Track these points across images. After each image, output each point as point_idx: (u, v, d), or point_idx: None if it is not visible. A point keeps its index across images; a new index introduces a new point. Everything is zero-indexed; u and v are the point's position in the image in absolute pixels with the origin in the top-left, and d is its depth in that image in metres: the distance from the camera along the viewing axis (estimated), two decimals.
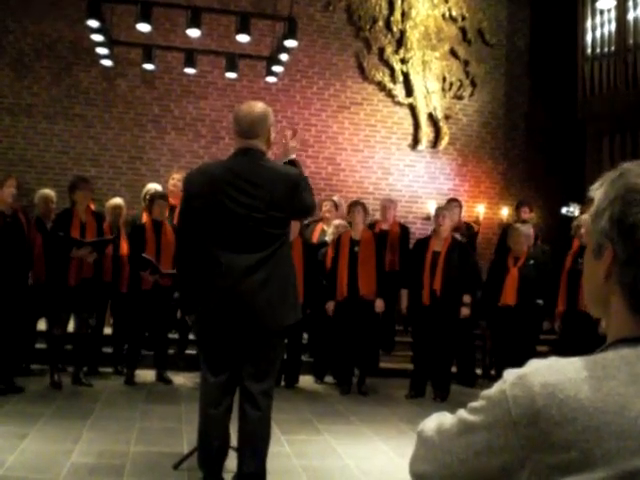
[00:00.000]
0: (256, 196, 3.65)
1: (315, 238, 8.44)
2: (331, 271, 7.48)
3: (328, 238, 8.18)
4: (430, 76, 11.77)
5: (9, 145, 10.83)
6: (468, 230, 9.32)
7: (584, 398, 1.01)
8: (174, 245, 7.05)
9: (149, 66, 10.09)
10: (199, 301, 3.79)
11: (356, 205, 7.65)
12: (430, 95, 11.77)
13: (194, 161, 10.56)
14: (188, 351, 7.91)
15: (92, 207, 7.35)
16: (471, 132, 12.04)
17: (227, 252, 3.67)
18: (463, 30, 11.95)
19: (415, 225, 11.13)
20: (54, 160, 10.89)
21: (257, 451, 3.80)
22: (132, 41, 9.95)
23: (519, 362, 1.13)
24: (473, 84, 11.98)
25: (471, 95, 11.99)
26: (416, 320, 7.37)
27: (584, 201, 8.39)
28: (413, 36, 11.70)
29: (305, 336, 7.99)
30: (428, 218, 10.79)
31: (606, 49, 10.59)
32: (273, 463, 4.02)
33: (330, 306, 7.39)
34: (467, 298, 7.17)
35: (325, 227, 8.50)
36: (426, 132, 11.78)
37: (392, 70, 11.72)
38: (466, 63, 11.94)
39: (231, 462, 3.99)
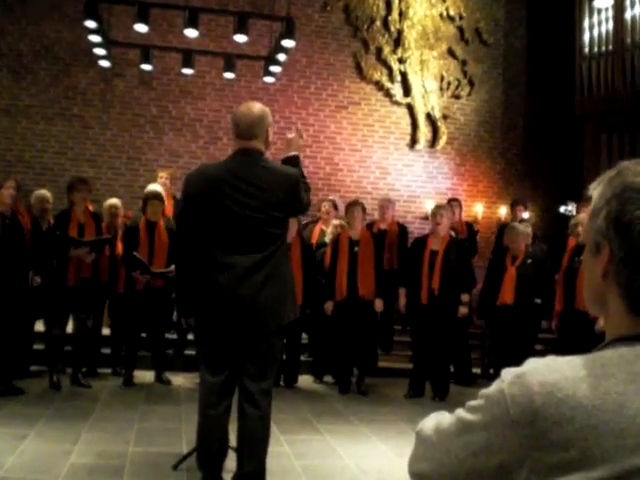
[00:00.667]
0: (256, 196, 3.66)
1: (314, 238, 8.45)
2: (330, 271, 7.48)
3: (327, 238, 8.18)
4: (428, 76, 11.78)
5: (7, 146, 10.83)
6: (469, 229, 9.34)
7: (583, 397, 1.01)
8: (167, 246, 7.12)
9: (147, 67, 10.09)
10: (198, 302, 3.80)
11: (355, 205, 7.65)
12: (428, 95, 11.78)
13: (192, 162, 10.56)
14: (186, 352, 7.92)
15: (90, 208, 7.34)
16: (469, 131, 12.05)
17: (227, 253, 3.68)
18: (461, 30, 11.96)
19: (413, 224, 11.13)
20: (52, 161, 10.88)
21: (257, 451, 3.80)
22: (130, 42, 9.95)
23: (517, 361, 1.13)
24: (471, 83, 11.98)
25: (469, 94, 12.00)
26: (414, 319, 7.37)
27: (582, 200, 8.41)
28: (411, 36, 11.71)
29: (304, 336, 7.99)
30: (426, 218, 10.79)
31: (604, 48, 10.59)
32: (272, 463, 4.02)
33: (329, 306, 7.39)
34: (465, 297, 7.18)
35: (324, 227, 8.50)
36: (424, 132, 11.79)
37: (390, 70, 11.72)
38: (464, 62, 11.95)
39: (230, 462, 3.99)
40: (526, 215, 9.71)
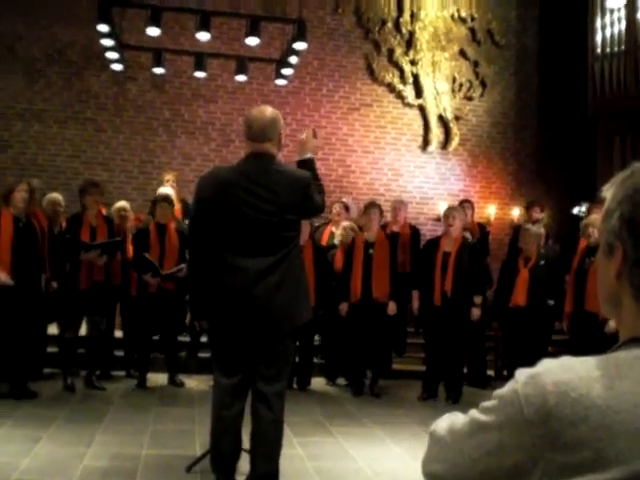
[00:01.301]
0: (269, 200, 3.67)
1: (324, 240, 8.44)
2: (343, 273, 7.47)
3: (336, 240, 8.17)
4: (440, 77, 11.77)
5: (21, 150, 10.88)
6: (481, 230, 9.30)
7: (597, 396, 1.01)
8: (177, 248, 7.15)
9: (159, 70, 10.12)
10: (211, 305, 3.81)
11: (372, 207, 7.59)
12: (440, 96, 11.76)
13: (205, 164, 10.59)
14: (200, 354, 7.94)
15: (103, 211, 7.36)
16: (481, 133, 12.03)
17: (240, 255, 3.69)
18: (472, 31, 11.94)
19: (426, 226, 11.10)
20: (65, 164, 10.94)
21: (270, 453, 3.81)
22: (142, 45, 9.98)
23: (531, 362, 1.13)
24: (483, 85, 11.97)
25: (481, 96, 11.98)
26: (427, 321, 7.35)
27: (594, 201, 8.37)
28: (422, 37, 11.70)
29: (317, 338, 7.99)
30: (439, 219, 10.75)
31: (616, 48, 10.54)
32: (286, 465, 4.02)
33: (343, 307, 7.38)
34: (478, 299, 7.16)
35: (334, 229, 8.48)
36: (436, 133, 11.78)
37: (402, 71, 11.72)
38: (476, 64, 11.93)
39: (243, 464, 4.00)
40: (540, 216, 9.67)
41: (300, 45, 9.17)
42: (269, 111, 3.88)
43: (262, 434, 3.81)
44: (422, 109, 11.80)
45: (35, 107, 10.94)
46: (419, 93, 11.76)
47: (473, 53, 11.93)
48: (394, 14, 11.71)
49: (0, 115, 10.90)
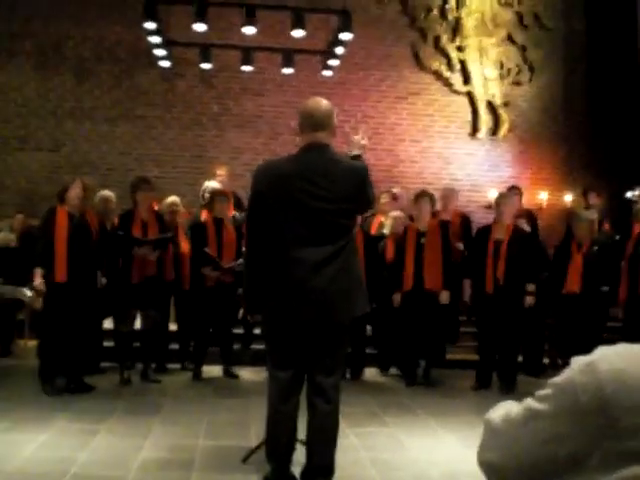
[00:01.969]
0: (329, 189, 3.68)
1: (374, 230, 8.42)
2: (394, 263, 7.45)
3: (386, 230, 8.14)
4: (487, 63, 11.65)
5: (73, 148, 11.09)
6: (529, 217, 9.18)
7: None
8: (235, 242, 7.21)
9: (206, 65, 10.21)
10: (268, 297, 3.81)
11: (423, 196, 7.52)
12: (488, 82, 11.65)
13: (255, 158, 10.67)
14: (253, 346, 8.00)
15: (155, 207, 7.45)
16: (531, 118, 11.88)
17: (299, 246, 3.68)
18: (519, 15, 11.79)
19: (477, 214, 11.00)
20: (117, 161, 11.11)
21: (327, 445, 3.82)
22: (189, 41, 10.07)
23: (586, 350, 1.12)
24: (531, 69, 11.82)
25: (530, 80, 11.84)
26: (480, 310, 7.29)
27: None
28: (469, 23, 11.60)
29: (369, 328, 7.99)
30: (489, 207, 10.66)
31: None
32: (340, 456, 4.03)
33: (397, 297, 7.36)
34: (531, 287, 7.07)
35: (383, 219, 8.45)
36: (485, 120, 11.67)
37: (448, 58, 11.64)
38: (523, 48, 11.79)
39: (298, 455, 4.02)
40: (597, 202, 9.51)
41: (346, 36, 9.16)
42: (324, 102, 3.91)
43: (319, 426, 3.82)
44: (470, 96, 11.71)
45: (85, 106, 11.13)
46: (467, 80, 11.67)
47: (520, 37, 11.78)
48: (439, 1, 11.62)
49: (51, 115, 11.11)
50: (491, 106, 11.71)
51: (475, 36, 11.61)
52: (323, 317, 3.73)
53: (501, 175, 11.66)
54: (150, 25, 8.88)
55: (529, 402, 1.14)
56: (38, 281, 6.28)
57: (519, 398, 1.20)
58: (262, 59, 10.84)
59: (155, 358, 7.40)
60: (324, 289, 3.67)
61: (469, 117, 11.76)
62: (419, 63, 11.68)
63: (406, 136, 11.65)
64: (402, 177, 11.44)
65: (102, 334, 7.46)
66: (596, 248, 7.18)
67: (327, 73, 10.35)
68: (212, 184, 8.44)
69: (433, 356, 7.53)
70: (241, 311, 7.48)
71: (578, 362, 1.08)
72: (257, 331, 7.74)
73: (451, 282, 7.31)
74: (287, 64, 10.12)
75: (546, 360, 8.25)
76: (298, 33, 9.05)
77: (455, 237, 8.31)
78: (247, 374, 7.56)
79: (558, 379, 1.09)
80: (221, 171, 8.77)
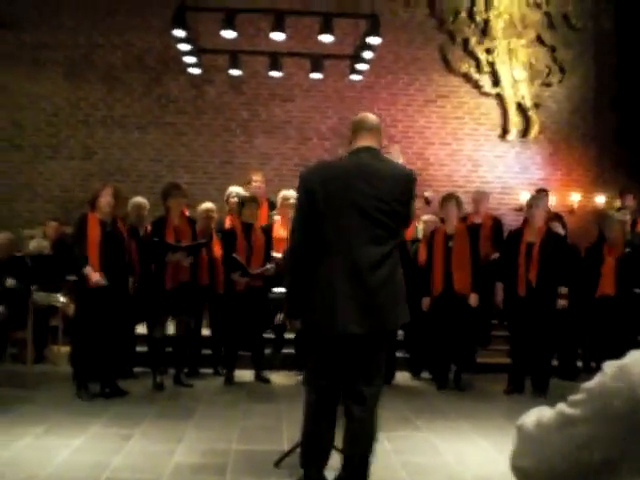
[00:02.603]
0: (382, 189, 3.69)
1: (409, 235, 8.39)
2: (425, 267, 7.43)
3: (419, 234, 8.15)
4: (517, 64, 11.59)
5: (104, 156, 11.20)
6: (558, 219, 9.10)
7: None
8: (264, 247, 7.25)
9: (235, 72, 10.26)
10: (311, 303, 3.74)
11: (449, 199, 7.51)
12: (517, 84, 11.59)
13: (284, 163, 10.73)
14: (284, 350, 8.02)
15: (186, 213, 7.49)
16: (561, 119, 11.78)
17: (351, 247, 3.65)
18: (548, 15, 11.71)
19: (509, 217, 10.93)
20: (148, 168, 11.20)
21: (364, 454, 3.79)
22: (218, 48, 10.12)
23: (619, 354, 1.11)
24: (561, 70, 11.73)
25: (560, 81, 11.75)
26: (512, 312, 7.24)
27: None
28: (497, 25, 11.55)
29: (400, 332, 7.96)
30: (520, 209, 10.59)
31: None
32: (373, 460, 4.03)
33: (426, 302, 7.34)
34: (563, 289, 7.01)
35: (416, 224, 8.43)
36: (515, 122, 11.60)
37: (477, 61, 11.59)
38: (553, 49, 11.70)
39: (332, 460, 4.01)
40: (632, 203, 9.39)
41: (374, 40, 9.14)
42: (373, 115, 4.05)
43: (357, 434, 3.79)
44: (500, 98, 11.65)
45: (116, 114, 11.24)
46: (496, 82, 11.61)
47: (550, 38, 11.69)
48: (467, 3, 11.58)
49: (83, 123, 11.24)
50: (521, 108, 11.64)
51: (504, 38, 11.55)
52: (371, 323, 3.67)
53: (531, 177, 11.58)
54: (179, 33, 8.94)
55: (562, 407, 1.13)
56: (94, 275, 6.32)
57: (552, 402, 1.20)
58: (290, 64, 10.87)
59: (187, 363, 7.45)
60: (375, 293, 3.64)
61: (499, 119, 11.70)
62: (448, 66, 11.65)
63: (435, 139, 11.62)
64: (432, 180, 11.39)
65: (135, 339, 7.53)
66: (629, 250, 7.10)
67: (355, 77, 10.34)
68: (236, 189, 8.45)
69: (463, 360, 7.49)
70: (279, 316, 7.45)
71: (610, 366, 1.07)
72: (288, 335, 7.76)
73: (480, 284, 7.27)
74: (315, 69, 10.13)
75: (579, 363, 8.18)
76: (326, 38, 9.06)
77: (486, 240, 8.27)
78: (278, 378, 7.59)
79: (590, 384, 1.09)
80: (257, 177, 8.76)
